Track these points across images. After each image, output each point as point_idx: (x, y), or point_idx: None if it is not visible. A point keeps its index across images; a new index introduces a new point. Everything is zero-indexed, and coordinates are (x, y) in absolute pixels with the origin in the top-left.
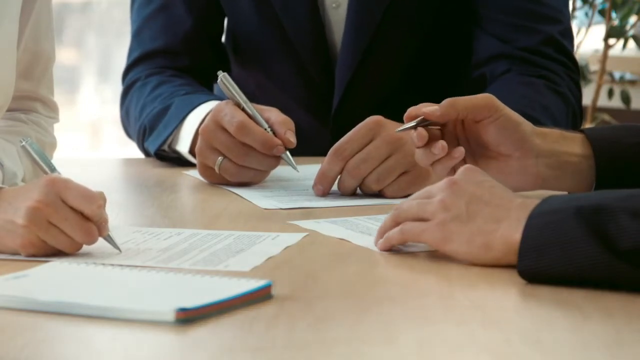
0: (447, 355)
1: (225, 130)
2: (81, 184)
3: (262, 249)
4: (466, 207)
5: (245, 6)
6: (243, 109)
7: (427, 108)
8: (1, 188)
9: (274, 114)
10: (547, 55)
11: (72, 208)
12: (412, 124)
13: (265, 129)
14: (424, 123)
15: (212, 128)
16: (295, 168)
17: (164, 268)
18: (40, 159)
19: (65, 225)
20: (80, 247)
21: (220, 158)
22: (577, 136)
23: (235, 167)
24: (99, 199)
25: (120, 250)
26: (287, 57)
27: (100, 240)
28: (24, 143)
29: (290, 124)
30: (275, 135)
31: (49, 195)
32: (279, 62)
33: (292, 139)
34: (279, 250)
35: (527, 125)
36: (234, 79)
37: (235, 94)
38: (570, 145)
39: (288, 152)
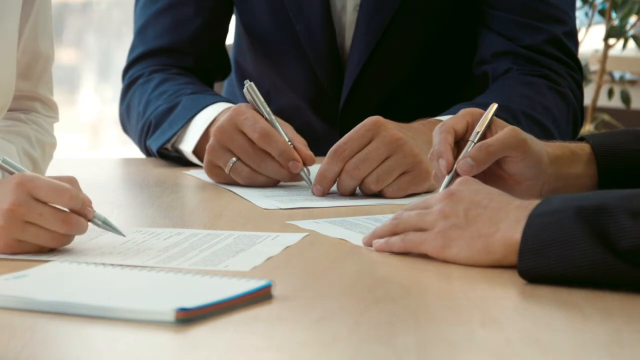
0: (447, 355)
1: (242, 133)
2: (49, 178)
3: (262, 249)
4: (465, 213)
5: (258, 8)
6: (266, 119)
7: (464, 167)
8: None
9: (290, 131)
10: (550, 55)
11: (46, 203)
12: (451, 175)
13: (287, 142)
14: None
15: (229, 129)
16: (310, 185)
17: (164, 268)
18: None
19: (42, 220)
20: (66, 239)
21: (233, 159)
22: (585, 153)
23: (249, 171)
24: (70, 190)
25: (124, 235)
26: (298, 59)
27: (100, 239)
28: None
29: (306, 144)
30: (296, 151)
31: (20, 196)
32: (290, 63)
33: (312, 155)
34: (279, 250)
35: (545, 157)
36: (250, 76)
37: (260, 105)
38: (578, 166)
39: (305, 169)
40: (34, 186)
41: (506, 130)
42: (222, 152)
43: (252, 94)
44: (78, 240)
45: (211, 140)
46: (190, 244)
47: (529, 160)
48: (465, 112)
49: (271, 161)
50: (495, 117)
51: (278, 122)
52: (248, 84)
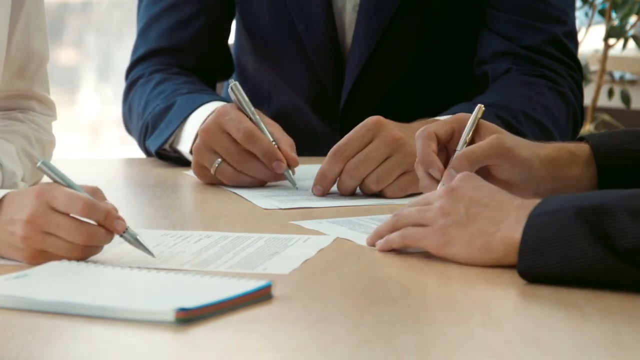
0: (447, 355)
1: (227, 134)
2: (69, 188)
3: (296, 252)
4: (465, 211)
5: (260, 8)
6: (250, 119)
7: (450, 179)
8: (5, 195)
9: (277, 131)
10: (550, 55)
11: (66, 214)
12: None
13: (271, 142)
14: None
15: (214, 130)
16: (294, 185)
17: (164, 269)
18: (57, 176)
19: (59, 231)
20: (89, 250)
21: (218, 160)
22: (584, 154)
23: (233, 171)
24: (85, 199)
25: (153, 256)
26: (299, 59)
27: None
28: (39, 164)
29: (293, 144)
30: (280, 151)
31: (38, 207)
32: (291, 63)
33: (296, 157)
34: (314, 253)
35: (536, 161)
36: (251, 76)
37: (245, 105)
38: (577, 167)
39: (289, 170)
40: (52, 196)
41: (490, 139)
42: (208, 153)
43: (237, 94)
44: (109, 244)
45: (197, 141)
46: (222, 247)
47: (516, 167)
48: (453, 118)
49: (255, 161)
50: (484, 121)
51: (264, 122)
52: (232, 83)
